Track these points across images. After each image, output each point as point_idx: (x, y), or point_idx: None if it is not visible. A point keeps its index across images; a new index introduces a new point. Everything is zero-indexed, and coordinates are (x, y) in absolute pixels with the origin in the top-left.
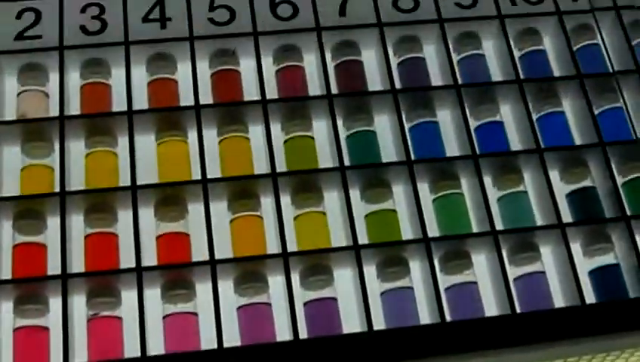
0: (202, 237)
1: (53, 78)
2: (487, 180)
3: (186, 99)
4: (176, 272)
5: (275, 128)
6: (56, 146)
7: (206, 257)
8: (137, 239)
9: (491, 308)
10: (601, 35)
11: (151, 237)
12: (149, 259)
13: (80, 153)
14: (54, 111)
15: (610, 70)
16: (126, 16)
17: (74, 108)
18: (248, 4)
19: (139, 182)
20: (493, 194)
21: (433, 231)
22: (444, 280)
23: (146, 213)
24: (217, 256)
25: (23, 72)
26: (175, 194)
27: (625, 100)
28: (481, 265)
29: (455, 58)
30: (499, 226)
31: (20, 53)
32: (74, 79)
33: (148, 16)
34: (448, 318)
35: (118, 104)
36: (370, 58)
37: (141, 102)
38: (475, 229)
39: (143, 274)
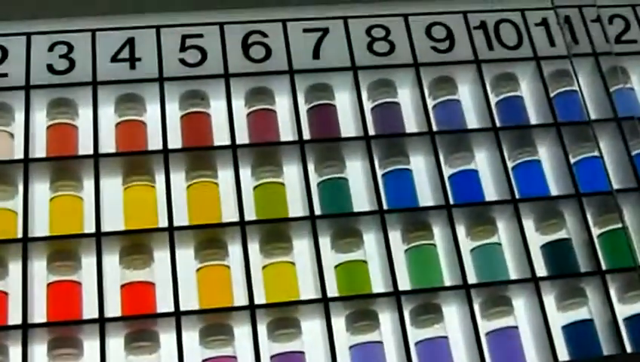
0: (168, 286)
1: (19, 117)
2: (461, 230)
3: (155, 142)
4: (140, 323)
5: (245, 173)
6: (20, 189)
7: (171, 308)
8: (101, 288)
9: None
10: (578, 81)
11: (116, 284)
12: (113, 308)
13: (45, 197)
14: (19, 153)
15: (587, 118)
16: (95, 56)
17: (40, 149)
18: (220, 44)
19: (104, 228)
20: (466, 244)
21: (405, 282)
22: (415, 334)
23: (111, 260)
24: (183, 307)
25: None
26: (141, 241)
27: (601, 150)
28: (452, 319)
29: (430, 103)
30: (472, 278)
31: None
32: (40, 119)
33: (117, 55)
34: None
35: (85, 146)
36: (343, 101)
37: (108, 144)
38: (447, 282)
39: (105, 325)
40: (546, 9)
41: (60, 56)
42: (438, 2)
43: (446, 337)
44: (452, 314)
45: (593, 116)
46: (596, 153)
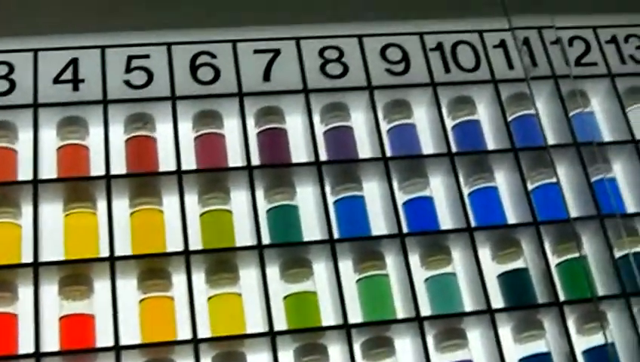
0: (108, 318)
1: None
2: (415, 260)
3: (98, 167)
4: (78, 358)
5: (192, 200)
6: None
7: (111, 341)
8: (37, 321)
9: None
10: (535, 105)
11: (55, 316)
12: (51, 341)
13: None
14: None
15: (545, 143)
16: (36, 76)
17: None
18: (167, 66)
19: (43, 257)
20: (420, 274)
21: (356, 314)
22: None
23: (50, 291)
24: (124, 340)
25: None
26: (81, 271)
27: (559, 176)
28: (405, 352)
29: (384, 127)
30: (425, 309)
31: None
32: None
33: (60, 76)
34: None
35: (25, 171)
36: (295, 125)
37: (50, 169)
38: (400, 313)
39: (41, 360)
40: (504, 30)
41: (0, 77)
42: (393, 23)
43: None
44: (405, 346)
45: (552, 141)
46: (554, 179)
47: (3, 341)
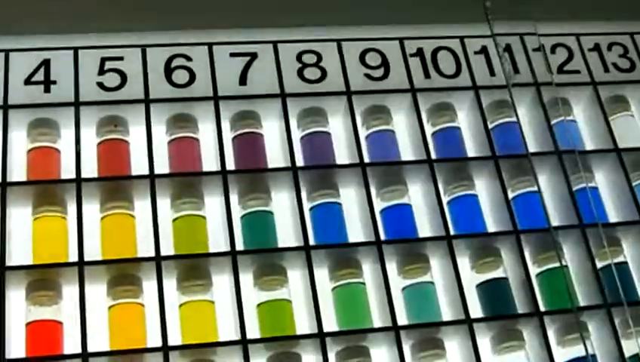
0: (76, 324)
1: None
2: (392, 268)
3: (69, 170)
4: None
5: (164, 205)
6: None
7: (78, 349)
8: (2, 326)
9: None
10: (516, 112)
11: (21, 322)
12: (18, 347)
13: None
14: None
15: (527, 151)
16: (7, 78)
17: None
18: (141, 68)
19: (10, 263)
20: (397, 283)
21: (331, 322)
22: None
23: (17, 296)
24: (92, 348)
25: None
26: (49, 276)
27: (539, 185)
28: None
29: (363, 133)
30: (402, 319)
31: None
32: None
33: (31, 78)
34: None
35: None
36: (271, 130)
37: (19, 172)
38: (376, 322)
39: None
40: (486, 37)
41: None
42: (373, 28)
43: None
44: (382, 356)
45: (533, 149)
46: (535, 188)
47: None
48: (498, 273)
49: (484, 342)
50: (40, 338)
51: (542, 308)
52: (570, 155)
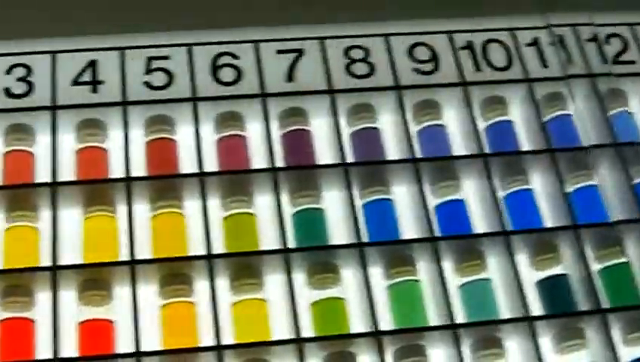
0: (128, 324)
1: None
2: (448, 265)
3: (118, 170)
4: None
5: (214, 203)
6: None
7: (132, 348)
8: (55, 326)
9: None
10: (573, 105)
11: (73, 322)
12: (70, 347)
13: None
14: None
15: (584, 144)
16: (54, 79)
17: None
18: (187, 67)
19: (61, 262)
20: (454, 281)
21: (386, 322)
22: None
23: (69, 296)
24: (144, 347)
25: None
26: (100, 276)
27: (599, 178)
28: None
29: (414, 128)
30: (459, 318)
31: None
32: None
33: (78, 78)
34: None
35: (43, 174)
36: (320, 127)
37: (68, 172)
38: (432, 321)
39: None
40: (539, 28)
41: (18, 79)
42: (421, 22)
43: None
44: (439, 356)
45: (590, 142)
46: (594, 181)
47: (20, 346)
48: (558, 269)
49: (544, 341)
50: (93, 337)
51: (605, 306)
52: (629, 148)
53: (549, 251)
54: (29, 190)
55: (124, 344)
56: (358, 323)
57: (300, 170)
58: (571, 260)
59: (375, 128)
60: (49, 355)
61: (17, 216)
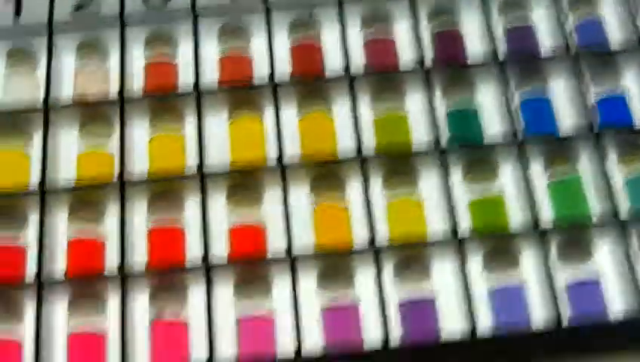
0: (279, 226)
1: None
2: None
3: (262, 74)
4: (250, 268)
5: (362, 105)
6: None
7: (283, 251)
8: (205, 230)
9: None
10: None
11: (224, 226)
12: (219, 249)
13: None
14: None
15: None
16: None
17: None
18: None
19: (209, 167)
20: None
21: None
22: (562, 275)
23: (219, 200)
24: (298, 251)
25: (80, 49)
26: (249, 179)
27: None
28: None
29: (570, 23)
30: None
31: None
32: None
33: None
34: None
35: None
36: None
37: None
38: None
39: (211, 269)
40: None
41: None
42: None
43: (598, 280)
44: (604, 251)
45: None
46: None
47: (171, 251)
48: None
49: None
50: (244, 240)
51: None
52: None
53: None
54: (173, 97)
55: (276, 244)
56: (517, 220)
57: (452, 67)
58: None
59: (528, 26)
60: (199, 257)
61: (162, 124)
